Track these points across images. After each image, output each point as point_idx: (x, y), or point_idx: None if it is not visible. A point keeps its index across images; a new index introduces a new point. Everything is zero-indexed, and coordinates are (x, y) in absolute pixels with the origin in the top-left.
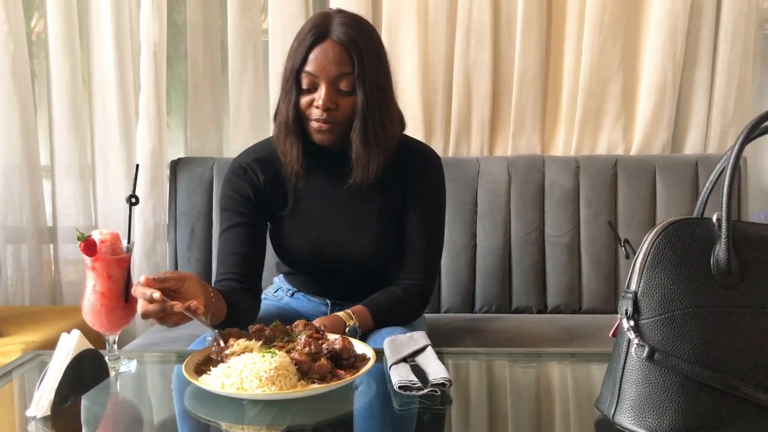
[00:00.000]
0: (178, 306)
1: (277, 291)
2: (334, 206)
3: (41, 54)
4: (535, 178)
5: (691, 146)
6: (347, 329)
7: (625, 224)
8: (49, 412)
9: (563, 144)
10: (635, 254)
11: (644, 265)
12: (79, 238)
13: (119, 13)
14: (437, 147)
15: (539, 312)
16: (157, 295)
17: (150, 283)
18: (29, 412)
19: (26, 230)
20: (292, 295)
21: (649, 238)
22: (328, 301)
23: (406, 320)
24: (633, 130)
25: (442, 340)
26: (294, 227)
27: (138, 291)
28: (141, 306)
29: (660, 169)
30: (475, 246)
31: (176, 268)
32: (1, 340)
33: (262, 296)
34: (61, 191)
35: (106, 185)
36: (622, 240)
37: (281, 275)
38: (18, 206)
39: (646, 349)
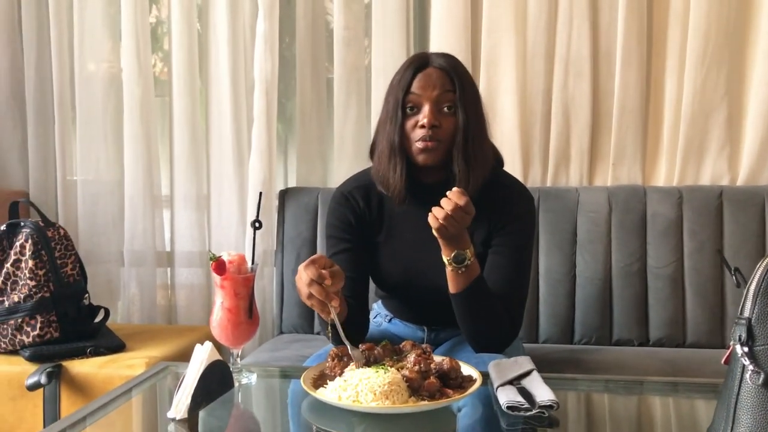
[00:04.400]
0: (335, 302)
1: (376, 317)
2: (426, 235)
3: (165, 93)
4: (636, 208)
5: None
6: (455, 253)
7: (731, 256)
8: (186, 415)
9: (665, 174)
10: (746, 283)
11: (758, 292)
12: (211, 258)
13: (235, 52)
14: (535, 177)
15: (641, 345)
16: (328, 282)
17: (327, 275)
18: (170, 414)
19: (147, 254)
20: (389, 320)
21: (763, 265)
22: (425, 328)
23: (495, 323)
24: (739, 160)
25: (540, 371)
26: (388, 254)
27: (311, 271)
28: (308, 282)
29: None
30: (574, 276)
31: (283, 292)
32: (127, 354)
33: None
34: (179, 219)
35: (219, 213)
36: (732, 269)
37: (379, 301)
38: (141, 231)
39: (762, 376)
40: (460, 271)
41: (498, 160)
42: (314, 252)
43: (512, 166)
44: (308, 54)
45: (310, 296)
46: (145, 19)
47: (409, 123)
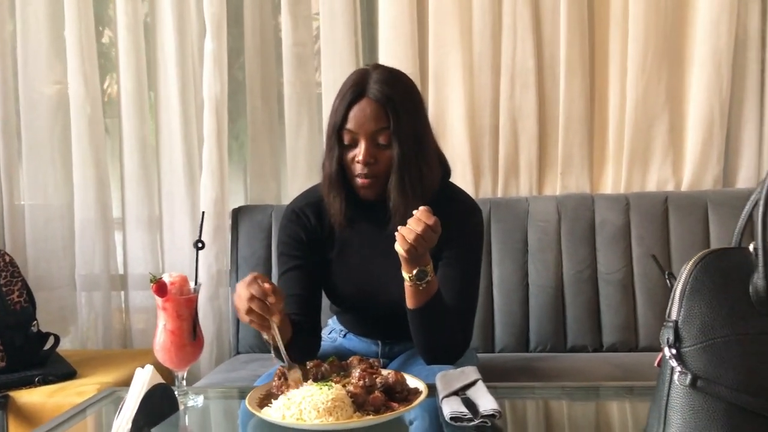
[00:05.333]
0: (276, 318)
1: (330, 333)
2: (376, 252)
3: (114, 113)
4: (585, 216)
5: (744, 180)
6: (417, 271)
7: (678, 259)
8: None
9: (612, 182)
10: None
11: (684, 294)
12: (151, 281)
13: (184, 73)
14: (486, 188)
15: (595, 351)
16: (271, 300)
17: (270, 292)
18: None
19: (99, 278)
20: (344, 336)
21: (688, 267)
22: (379, 342)
23: (449, 336)
24: (683, 166)
25: (496, 380)
26: (340, 270)
27: (255, 288)
28: (248, 297)
29: (712, 204)
30: (527, 285)
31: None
32: (78, 381)
33: None
34: (132, 241)
35: (172, 234)
36: (666, 272)
37: (334, 317)
38: (91, 255)
39: (689, 377)
40: (420, 288)
41: (446, 171)
42: (270, 270)
43: (463, 178)
44: (258, 72)
45: (250, 311)
46: (91, 39)
47: (348, 155)
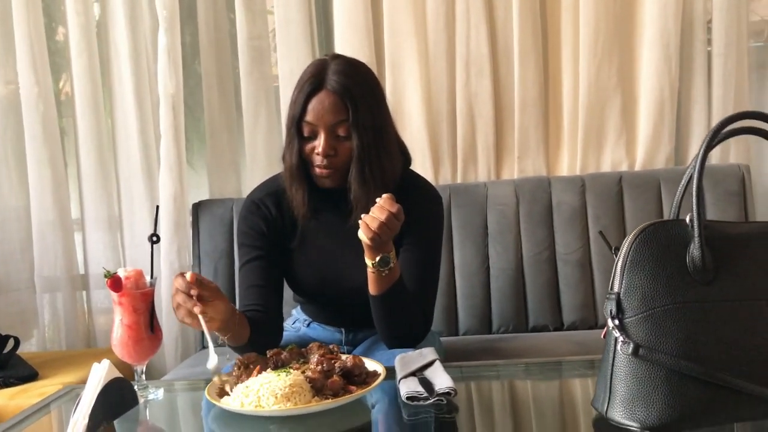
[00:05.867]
0: (197, 308)
1: (294, 323)
2: (339, 241)
3: (69, 113)
4: (542, 198)
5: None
6: (380, 257)
7: None
8: None
9: (568, 164)
10: None
11: (624, 267)
12: (105, 276)
13: (138, 69)
14: (445, 174)
15: (556, 329)
16: (194, 292)
17: (193, 283)
18: None
19: (60, 279)
20: (308, 325)
21: (628, 241)
22: (342, 329)
23: (411, 320)
24: (635, 146)
25: (460, 361)
26: (302, 260)
27: (178, 282)
28: (174, 292)
29: (664, 182)
30: (488, 268)
31: None
32: (40, 383)
33: None
34: (91, 240)
35: (132, 231)
36: (612, 248)
37: (298, 307)
38: (52, 257)
39: (631, 346)
40: (383, 274)
41: (407, 159)
42: (233, 264)
43: (423, 166)
44: (214, 66)
45: (178, 306)
46: (41, 37)
47: (307, 147)
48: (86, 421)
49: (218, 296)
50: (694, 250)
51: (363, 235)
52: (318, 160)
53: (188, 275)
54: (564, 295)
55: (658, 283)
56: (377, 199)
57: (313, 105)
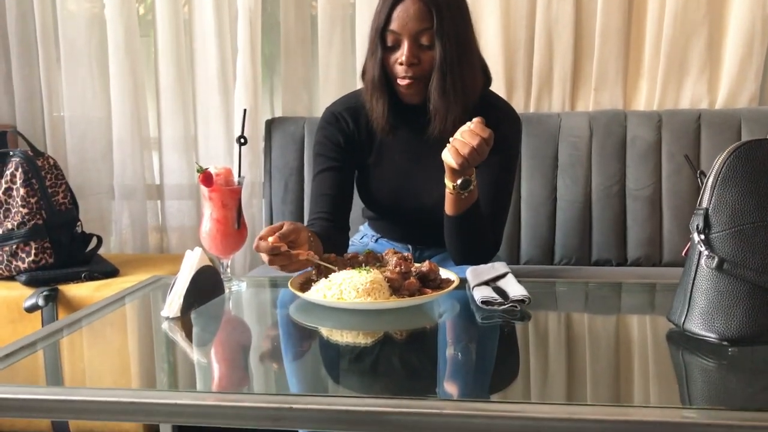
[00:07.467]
0: (303, 254)
1: (362, 238)
2: (415, 159)
3: (150, 32)
4: (617, 132)
5: None
6: (462, 180)
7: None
8: (179, 314)
9: (646, 98)
10: None
11: (716, 183)
12: (198, 171)
13: None
14: (519, 102)
15: (619, 264)
16: (284, 248)
17: (275, 239)
18: (163, 313)
19: (137, 188)
20: (376, 240)
21: (721, 158)
22: (410, 246)
23: (482, 242)
24: (718, 82)
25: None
26: (377, 176)
27: (262, 246)
28: (266, 257)
29: (746, 123)
30: (555, 200)
31: (272, 221)
32: (121, 279)
33: (349, 243)
34: (167, 153)
35: (207, 146)
36: (698, 171)
37: (366, 222)
38: (129, 167)
39: (716, 260)
40: (462, 196)
41: (487, 78)
42: (302, 181)
43: (496, 92)
44: None
45: (284, 267)
46: None
47: (390, 58)
48: (181, 300)
49: (298, 230)
50: None
51: (451, 159)
52: (401, 70)
53: (270, 239)
54: (630, 230)
55: (749, 200)
56: (469, 123)
57: (398, 13)
